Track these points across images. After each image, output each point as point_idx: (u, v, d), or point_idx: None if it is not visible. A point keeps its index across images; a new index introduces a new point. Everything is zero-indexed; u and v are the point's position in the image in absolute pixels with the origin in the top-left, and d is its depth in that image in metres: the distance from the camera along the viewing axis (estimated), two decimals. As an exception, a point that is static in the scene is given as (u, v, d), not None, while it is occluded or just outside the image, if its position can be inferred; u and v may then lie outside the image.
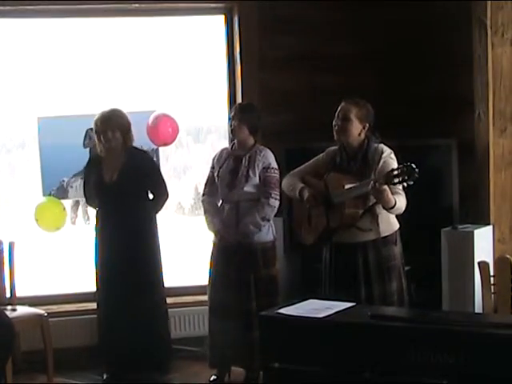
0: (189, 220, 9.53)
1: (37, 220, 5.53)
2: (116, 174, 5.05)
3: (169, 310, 5.44)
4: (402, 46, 5.53)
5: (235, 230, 4.81)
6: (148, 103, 5.93)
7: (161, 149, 5.81)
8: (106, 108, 5.13)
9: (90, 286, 5.27)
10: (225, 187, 4.88)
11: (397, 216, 4.27)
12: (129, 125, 5.11)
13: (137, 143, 5.21)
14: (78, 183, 5.65)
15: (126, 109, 5.18)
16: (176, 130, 5.68)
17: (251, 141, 4.91)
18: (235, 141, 4.96)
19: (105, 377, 5.13)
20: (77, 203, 9.28)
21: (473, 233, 4.88)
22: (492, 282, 4.10)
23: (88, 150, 5.73)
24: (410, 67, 5.52)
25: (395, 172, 3.87)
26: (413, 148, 5.04)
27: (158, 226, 5.19)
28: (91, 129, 5.61)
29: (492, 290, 4.10)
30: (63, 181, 5.71)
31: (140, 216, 5.08)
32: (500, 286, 4.08)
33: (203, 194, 5.08)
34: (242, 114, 4.85)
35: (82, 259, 5.22)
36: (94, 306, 5.33)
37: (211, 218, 4.93)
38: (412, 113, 5.45)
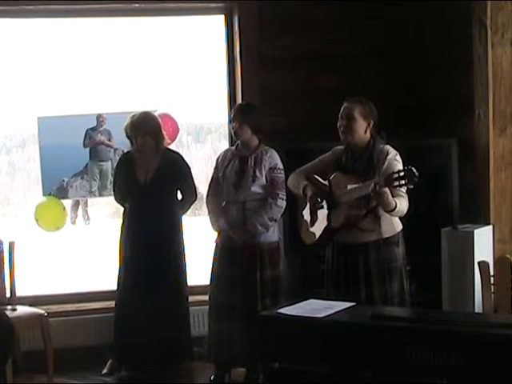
0: (189, 220, 9.51)
1: (37, 220, 5.54)
2: (151, 175, 5.09)
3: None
4: (402, 45, 5.53)
5: (242, 230, 4.81)
6: (148, 103, 5.93)
7: (161, 149, 5.80)
8: (137, 112, 5.14)
9: (90, 285, 5.27)
10: (231, 187, 4.88)
11: (400, 217, 4.27)
12: (159, 127, 5.13)
13: (167, 140, 5.21)
14: (78, 183, 5.65)
15: (125, 109, 5.19)
16: (176, 130, 5.69)
17: (255, 141, 4.90)
18: (239, 141, 4.96)
19: (104, 371, 5.13)
20: (77, 203, 9.28)
21: (473, 233, 4.88)
22: (492, 281, 4.10)
23: (88, 149, 5.74)
24: (410, 67, 5.52)
25: (395, 175, 3.87)
26: (413, 148, 5.03)
27: (183, 227, 5.22)
28: (91, 128, 5.63)
29: (492, 290, 4.10)
30: (63, 181, 5.72)
31: (168, 217, 5.12)
32: (500, 285, 4.08)
33: (207, 195, 5.07)
34: (243, 115, 4.85)
35: (82, 259, 5.21)
36: (94, 305, 5.34)
37: (216, 218, 4.93)
38: (412, 113, 5.45)
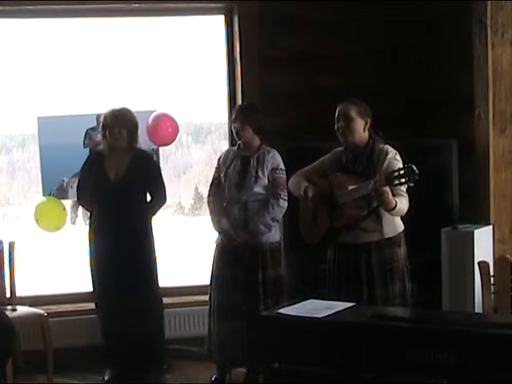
0: (189, 220, 9.53)
1: (37, 220, 5.53)
2: (121, 173, 5.05)
3: (168, 310, 5.45)
4: (402, 45, 5.53)
5: (244, 231, 4.81)
6: (148, 103, 5.93)
7: (161, 149, 5.81)
8: (117, 106, 5.14)
9: (90, 285, 5.27)
10: (233, 187, 4.88)
11: (402, 217, 4.27)
12: (136, 126, 5.12)
13: (139, 141, 5.21)
14: (78, 183, 5.63)
15: (131, 110, 5.18)
16: (176, 130, 5.68)
17: (257, 141, 4.91)
18: (240, 142, 4.96)
19: (106, 378, 5.12)
20: (77, 203, 9.27)
21: (473, 233, 4.88)
22: (492, 281, 4.10)
23: (88, 149, 5.73)
24: (410, 67, 5.52)
25: (395, 173, 3.88)
26: (413, 148, 5.03)
27: (153, 228, 5.17)
28: (91, 128, 5.61)
29: (492, 290, 4.10)
30: (63, 181, 5.71)
31: (137, 217, 5.06)
32: (500, 285, 4.08)
33: (209, 195, 5.07)
34: (245, 115, 4.85)
35: (82, 259, 5.21)
36: (94, 305, 5.33)
37: (218, 218, 4.92)
38: (412, 113, 5.45)
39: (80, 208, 9.91)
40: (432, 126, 5.34)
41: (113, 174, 5.07)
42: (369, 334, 3.39)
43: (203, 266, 5.12)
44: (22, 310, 5.08)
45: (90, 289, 5.27)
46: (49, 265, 8.72)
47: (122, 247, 4.99)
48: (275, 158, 4.88)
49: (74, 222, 9.43)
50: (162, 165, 5.75)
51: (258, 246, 4.83)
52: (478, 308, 4.41)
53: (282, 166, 4.89)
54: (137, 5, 5.67)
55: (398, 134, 4.81)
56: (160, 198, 5.18)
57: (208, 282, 5.04)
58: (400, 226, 4.31)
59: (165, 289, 5.44)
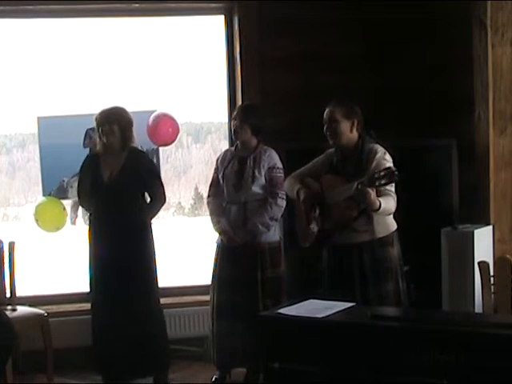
0: (189, 220, 9.53)
1: (37, 220, 5.53)
2: (115, 173, 4.99)
3: (169, 310, 5.44)
4: (402, 45, 5.53)
5: (243, 231, 4.82)
6: (148, 103, 5.92)
7: (161, 149, 5.80)
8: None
9: (87, 286, 5.26)
10: (231, 188, 4.89)
11: (395, 217, 4.26)
12: (129, 122, 5.04)
13: (137, 143, 5.19)
14: (78, 183, 5.63)
15: (126, 109, 5.17)
16: (176, 130, 5.68)
17: (254, 141, 4.91)
18: (238, 142, 4.96)
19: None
20: (77, 203, 9.25)
21: (473, 233, 4.88)
22: (492, 282, 4.10)
23: (88, 149, 5.73)
24: (409, 67, 5.52)
25: (376, 175, 3.89)
26: (413, 148, 5.05)
27: (153, 228, 5.09)
28: (91, 129, 5.60)
29: (492, 290, 4.10)
30: (63, 181, 5.71)
31: (135, 217, 4.99)
32: (500, 285, 4.08)
33: (208, 196, 5.07)
34: (244, 115, 4.86)
35: (82, 259, 5.20)
36: (93, 306, 5.32)
37: (217, 218, 4.93)
38: (412, 113, 5.45)
39: (80, 208, 9.93)
40: (432, 126, 5.34)
41: (107, 174, 5.01)
42: (369, 333, 3.39)
43: (203, 266, 5.13)
44: (22, 310, 5.08)
45: (88, 289, 5.26)
46: (49, 265, 8.72)
47: (118, 248, 4.92)
48: (272, 157, 4.89)
49: (73, 222, 9.42)
50: (161, 165, 5.76)
51: (257, 245, 4.83)
52: (478, 308, 4.41)
53: (279, 164, 4.89)
54: (137, 5, 5.68)
55: (398, 133, 4.81)
56: (159, 198, 5.09)
57: (208, 282, 5.05)
58: (392, 225, 4.31)
59: (165, 289, 5.43)
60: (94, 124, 5.10)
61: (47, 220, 5.56)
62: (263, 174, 4.85)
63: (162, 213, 5.29)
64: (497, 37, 5.08)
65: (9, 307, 5.02)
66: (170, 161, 9.21)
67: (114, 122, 4.97)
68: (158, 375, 5.06)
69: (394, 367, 3.29)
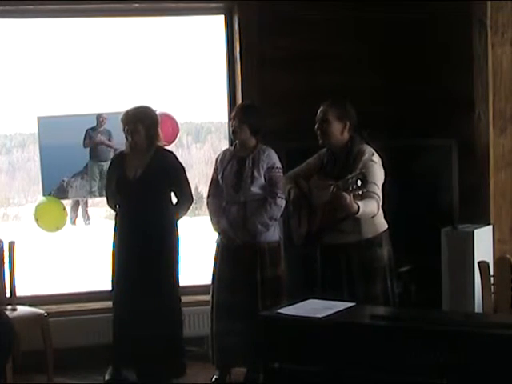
0: (189, 220, 9.52)
1: (37, 220, 5.54)
2: (140, 172, 4.96)
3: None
4: (402, 45, 5.53)
5: (243, 231, 4.82)
6: (148, 103, 5.92)
7: (161, 149, 5.79)
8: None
9: (90, 285, 5.27)
10: (230, 189, 4.88)
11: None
12: (155, 121, 5.01)
13: (161, 140, 5.17)
14: (78, 183, 5.64)
15: (126, 108, 5.17)
16: (176, 130, 5.69)
17: (253, 141, 4.91)
18: (237, 141, 4.96)
19: (107, 378, 5.08)
20: (77, 203, 9.27)
21: (473, 233, 4.88)
22: (492, 281, 4.10)
23: (88, 149, 5.74)
24: (409, 67, 5.52)
25: (350, 180, 3.87)
26: (413, 148, 5.04)
27: (179, 230, 5.08)
28: (91, 129, 5.61)
29: (492, 290, 4.10)
30: (63, 181, 5.71)
31: (159, 217, 4.96)
32: (500, 286, 4.08)
33: (208, 196, 5.07)
34: (243, 115, 4.86)
35: (82, 259, 5.20)
36: (94, 305, 5.34)
37: (217, 218, 4.93)
38: (412, 113, 5.45)
39: (80, 208, 9.94)
40: (432, 126, 5.34)
41: (132, 173, 4.98)
42: (369, 333, 3.39)
43: (203, 266, 5.12)
44: (22, 309, 5.08)
45: (90, 289, 5.27)
46: (49, 265, 8.71)
47: (142, 247, 4.91)
48: (271, 157, 4.88)
49: (74, 222, 9.44)
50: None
51: (256, 245, 4.83)
52: (478, 308, 4.41)
53: (278, 164, 4.89)
54: (137, 5, 5.67)
55: (398, 133, 4.81)
56: (186, 199, 5.06)
57: (208, 282, 5.05)
58: (381, 226, 4.29)
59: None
60: (94, 124, 5.11)
61: (47, 220, 5.56)
62: (262, 173, 4.85)
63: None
64: (497, 37, 5.08)
65: (9, 307, 5.02)
66: (169, 161, 9.20)
67: (138, 121, 4.95)
68: (175, 376, 5.06)
69: (394, 367, 3.28)
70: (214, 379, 5.00)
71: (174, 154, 5.21)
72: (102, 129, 5.82)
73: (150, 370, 4.99)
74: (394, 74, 5.54)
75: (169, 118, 5.62)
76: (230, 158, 4.96)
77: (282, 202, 4.82)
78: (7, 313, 4.43)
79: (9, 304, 5.08)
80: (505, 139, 5.13)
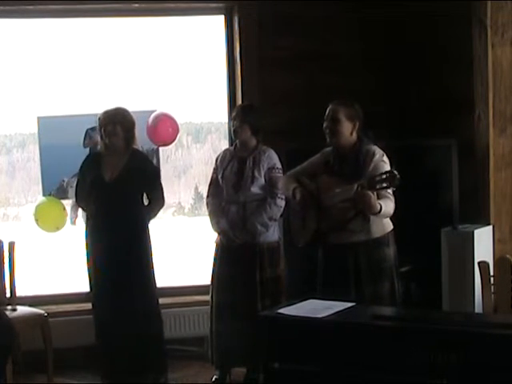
0: (188, 220, 9.53)
1: (37, 220, 5.53)
2: (116, 173, 4.99)
3: (169, 310, 5.44)
4: (402, 45, 5.53)
5: (242, 231, 4.82)
6: (148, 103, 5.92)
7: (161, 149, 5.81)
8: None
9: (87, 286, 5.25)
10: (230, 189, 4.89)
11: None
12: (132, 124, 5.04)
13: (138, 144, 5.19)
14: (78, 183, 5.62)
15: (128, 110, 5.17)
16: (176, 130, 5.68)
17: (254, 141, 4.91)
18: (237, 141, 4.96)
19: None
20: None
21: (473, 233, 4.88)
22: (492, 281, 4.10)
23: (88, 149, 5.73)
24: (409, 67, 5.52)
25: (377, 178, 3.87)
26: (413, 148, 5.04)
27: (150, 230, 5.09)
28: (91, 129, 5.60)
29: (492, 290, 4.10)
30: (63, 181, 5.71)
31: (134, 219, 4.99)
32: (500, 285, 4.08)
33: (207, 196, 5.07)
34: (244, 115, 4.86)
35: (82, 259, 5.20)
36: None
37: (217, 218, 4.93)
38: (412, 113, 5.45)
39: (80, 208, 9.92)
40: (432, 125, 5.34)
41: (108, 174, 5.00)
42: (369, 333, 3.39)
43: (203, 266, 5.12)
44: (22, 310, 5.08)
45: (88, 289, 5.26)
46: (49, 265, 8.71)
47: (118, 248, 4.91)
48: (271, 158, 4.89)
49: (73, 222, 9.41)
50: (162, 165, 5.75)
51: (256, 245, 4.83)
52: (478, 308, 4.41)
53: (279, 164, 4.89)
54: (137, 5, 5.68)
55: (398, 133, 4.81)
56: (158, 201, 5.10)
57: (208, 282, 5.05)
58: (388, 225, 4.30)
59: (165, 289, 5.43)
60: (94, 124, 5.10)
61: (47, 220, 5.56)
62: (263, 174, 4.85)
63: (161, 213, 5.29)
64: (497, 37, 5.08)
65: (9, 307, 5.02)
66: (169, 161, 9.21)
67: (118, 122, 4.98)
68: (158, 375, 5.06)
69: (394, 367, 3.29)
70: (213, 379, 5.01)
71: (149, 157, 5.30)
72: (102, 129, 5.81)
73: (129, 371, 4.97)
74: (394, 74, 5.54)
75: (168, 119, 5.62)
76: (231, 158, 4.97)
77: (281, 203, 4.82)
78: (7, 313, 4.43)
79: (9, 304, 5.08)
80: (505, 139, 5.14)
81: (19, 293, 5.25)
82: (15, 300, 5.16)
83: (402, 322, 3.48)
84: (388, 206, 4.07)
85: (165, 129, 5.58)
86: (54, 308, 5.54)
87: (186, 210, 10.40)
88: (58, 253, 8.89)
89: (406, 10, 5.35)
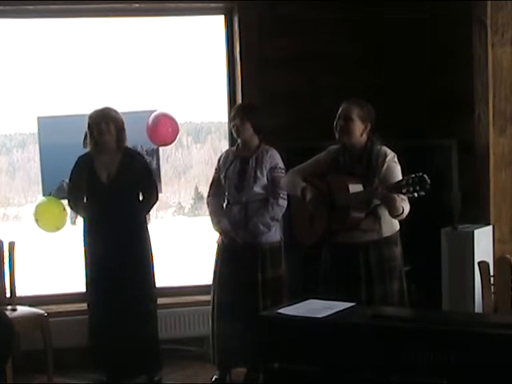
0: (188, 220, 9.53)
1: (37, 220, 5.53)
2: (113, 173, 4.99)
3: (168, 310, 5.44)
4: (402, 45, 5.53)
5: (244, 231, 4.81)
6: (148, 103, 5.92)
7: (161, 149, 5.81)
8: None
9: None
10: (233, 188, 4.88)
11: None
12: (123, 123, 5.05)
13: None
14: (78, 183, 5.62)
15: (125, 108, 5.18)
16: (176, 130, 5.68)
17: (256, 141, 4.91)
18: (239, 141, 4.96)
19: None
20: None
21: (473, 233, 4.88)
22: (492, 282, 4.10)
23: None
24: (409, 67, 5.52)
25: (404, 182, 3.84)
26: (413, 148, 5.04)
27: (150, 230, 5.11)
28: (91, 128, 5.58)
29: (492, 290, 4.10)
30: (63, 181, 5.70)
31: (132, 217, 5.00)
32: (500, 285, 4.09)
33: (208, 196, 5.07)
34: (245, 114, 4.85)
35: (82, 259, 5.20)
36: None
37: (218, 218, 4.92)
38: (412, 113, 5.45)
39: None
40: (432, 126, 5.34)
41: (105, 175, 5.00)
42: (369, 333, 3.39)
43: (203, 266, 5.12)
44: (22, 310, 5.08)
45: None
46: (49, 265, 8.71)
47: (116, 249, 4.92)
48: (274, 158, 4.88)
49: (74, 222, 9.41)
50: (161, 165, 5.75)
51: (257, 245, 4.83)
52: (478, 308, 4.42)
53: (281, 164, 4.89)
54: (137, 5, 5.68)
55: (398, 133, 4.80)
56: (152, 197, 5.11)
57: (208, 282, 5.05)
58: (396, 224, 4.31)
59: (164, 289, 5.43)
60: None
61: (47, 220, 5.56)
62: (265, 174, 4.85)
63: (161, 213, 5.29)
64: (497, 37, 5.09)
65: (9, 307, 5.02)
66: (170, 161, 9.21)
67: (111, 120, 4.98)
68: (152, 374, 5.07)
69: (394, 367, 3.28)
70: (213, 379, 5.01)
71: (142, 155, 5.29)
72: (101, 129, 5.81)
73: (124, 370, 5.00)
74: (394, 74, 5.54)
75: (168, 119, 5.62)
76: (233, 158, 4.96)
77: (284, 203, 4.82)
78: (7, 313, 4.43)
79: (9, 304, 5.08)
80: (505, 139, 5.14)
81: (19, 293, 5.25)
82: (15, 300, 5.16)
83: (402, 322, 3.48)
84: (406, 207, 4.08)
85: (165, 129, 5.58)
86: (53, 308, 5.54)
87: (186, 210, 10.39)
88: (57, 253, 8.88)
89: (406, 10, 5.35)
